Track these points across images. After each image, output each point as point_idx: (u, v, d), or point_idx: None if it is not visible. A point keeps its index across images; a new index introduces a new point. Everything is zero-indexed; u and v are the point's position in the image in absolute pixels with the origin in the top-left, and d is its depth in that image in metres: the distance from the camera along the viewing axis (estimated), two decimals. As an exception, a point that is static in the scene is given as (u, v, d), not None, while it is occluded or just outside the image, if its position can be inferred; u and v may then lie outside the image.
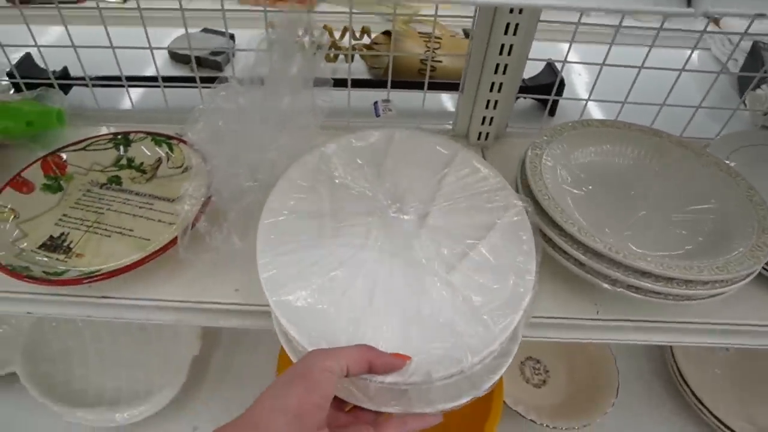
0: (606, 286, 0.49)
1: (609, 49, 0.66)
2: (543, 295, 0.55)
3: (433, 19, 0.98)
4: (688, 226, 0.56)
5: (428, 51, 0.76)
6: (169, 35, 0.99)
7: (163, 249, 0.53)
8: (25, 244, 0.56)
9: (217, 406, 0.91)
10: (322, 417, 0.35)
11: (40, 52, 0.72)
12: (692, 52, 0.70)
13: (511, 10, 0.60)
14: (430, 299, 0.43)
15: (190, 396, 0.91)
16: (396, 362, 0.39)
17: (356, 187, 0.51)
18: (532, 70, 0.85)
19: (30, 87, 0.75)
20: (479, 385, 0.42)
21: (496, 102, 0.71)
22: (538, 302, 0.53)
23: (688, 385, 0.88)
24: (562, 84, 0.81)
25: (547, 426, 0.83)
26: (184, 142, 0.66)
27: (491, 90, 0.69)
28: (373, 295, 0.43)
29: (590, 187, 0.60)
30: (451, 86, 0.76)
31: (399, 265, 0.46)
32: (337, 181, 0.52)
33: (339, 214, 0.49)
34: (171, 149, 0.67)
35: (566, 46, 0.69)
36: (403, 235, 0.47)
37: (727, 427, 0.83)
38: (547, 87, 0.80)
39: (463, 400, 0.42)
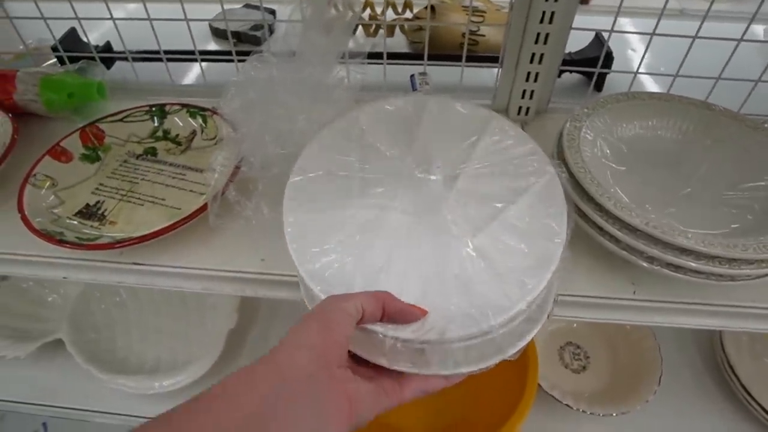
0: (643, 264, 0.46)
1: (659, 19, 0.62)
2: (577, 273, 0.52)
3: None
4: (739, 205, 0.52)
5: (468, 23, 0.73)
6: (212, 11, 1.00)
7: (192, 216, 0.54)
8: (62, 210, 0.58)
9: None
10: (342, 355, 0.35)
11: (81, 24, 0.73)
12: (751, 21, 0.65)
13: (553, -25, 0.57)
14: (453, 260, 0.41)
15: (227, 367, 0.93)
16: (411, 311, 0.38)
17: (386, 149, 0.50)
18: (579, 43, 0.81)
19: (73, 61, 0.77)
20: (505, 349, 0.41)
21: (537, 74, 0.68)
22: (572, 281, 0.52)
23: (737, 376, 0.83)
24: (610, 57, 0.77)
25: (583, 411, 0.80)
26: (218, 114, 0.67)
27: (532, 61, 0.66)
28: (395, 255, 0.42)
29: (633, 163, 0.57)
30: (492, 59, 0.73)
31: (424, 227, 0.44)
32: (366, 143, 0.51)
33: (367, 175, 0.48)
34: (205, 121, 0.68)
35: (622, 19, 0.65)
36: (431, 197, 0.46)
37: (779, 423, 0.79)
38: (593, 60, 0.76)
39: (485, 364, 0.40)
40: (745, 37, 0.63)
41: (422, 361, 0.39)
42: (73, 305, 0.93)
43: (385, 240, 0.43)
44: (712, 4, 0.60)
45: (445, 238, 0.43)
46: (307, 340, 0.34)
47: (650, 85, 0.83)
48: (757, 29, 0.97)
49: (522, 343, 0.41)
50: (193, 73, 0.89)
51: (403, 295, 0.39)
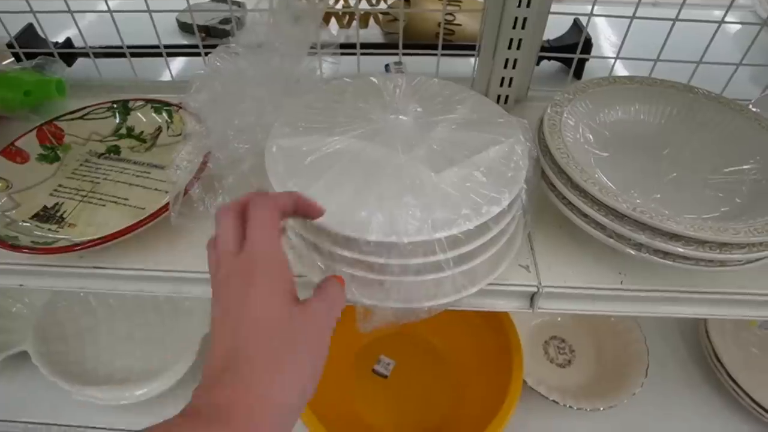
0: (630, 251, 0.44)
1: (637, 4, 0.61)
2: (563, 264, 0.50)
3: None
4: (726, 188, 0.51)
5: (443, 10, 0.71)
6: (179, 5, 0.96)
7: (155, 215, 0.51)
8: (16, 214, 0.54)
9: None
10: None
11: (37, 20, 0.69)
12: (730, 6, 0.64)
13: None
14: (419, 188, 0.42)
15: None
16: (316, 206, 0.38)
17: (363, 104, 0.50)
18: (557, 30, 0.80)
19: (31, 58, 0.73)
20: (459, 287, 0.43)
21: (515, 61, 0.66)
22: (558, 272, 0.50)
23: (723, 365, 0.82)
24: (589, 44, 0.76)
25: (570, 407, 0.78)
26: (184, 108, 0.63)
27: (510, 47, 0.64)
28: (364, 186, 0.43)
29: (616, 148, 0.55)
30: (469, 48, 0.71)
31: (395, 162, 0.45)
32: (342, 101, 0.52)
33: (342, 121, 0.49)
34: (170, 117, 0.65)
35: (598, 8, 0.64)
36: (406, 138, 0.46)
37: (766, 410, 0.78)
38: (572, 47, 0.74)
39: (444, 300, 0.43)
40: (724, 21, 0.62)
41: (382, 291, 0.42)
42: (38, 315, 0.88)
43: (356, 169, 0.44)
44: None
45: (416, 171, 0.44)
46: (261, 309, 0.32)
47: (628, 71, 0.82)
48: (731, 16, 0.97)
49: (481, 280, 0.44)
50: (161, 71, 0.85)
51: (372, 221, 0.40)
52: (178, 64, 0.83)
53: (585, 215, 0.46)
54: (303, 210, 0.38)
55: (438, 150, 0.46)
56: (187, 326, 0.91)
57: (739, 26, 0.95)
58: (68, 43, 0.81)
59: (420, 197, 0.41)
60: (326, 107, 0.51)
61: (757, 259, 0.44)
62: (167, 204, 0.51)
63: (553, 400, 0.79)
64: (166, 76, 0.79)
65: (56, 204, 0.57)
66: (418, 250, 0.40)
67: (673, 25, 0.63)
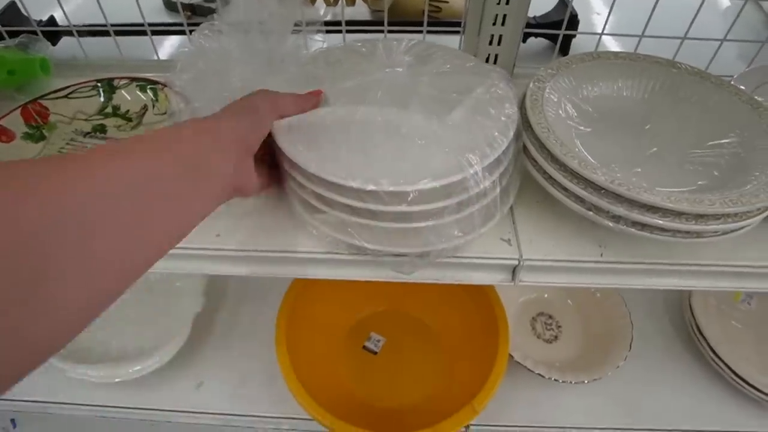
0: (609, 223, 0.45)
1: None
2: (544, 238, 0.51)
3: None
4: (705, 162, 0.51)
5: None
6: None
7: (141, 193, 0.51)
8: (2, 192, 0.54)
9: (221, 361, 0.90)
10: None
11: (18, -4, 0.69)
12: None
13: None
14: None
15: (195, 351, 0.91)
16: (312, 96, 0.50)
17: (352, 64, 0.55)
18: (544, 7, 0.80)
19: (14, 36, 0.73)
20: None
21: (500, 37, 0.66)
22: (540, 245, 0.50)
23: (705, 339, 0.84)
24: (575, 20, 0.76)
25: (555, 380, 0.80)
26: (169, 87, 0.63)
27: (495, 23, 0.65)
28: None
29: (599, 124, 0.55)
30: (455, 25, 0.71)
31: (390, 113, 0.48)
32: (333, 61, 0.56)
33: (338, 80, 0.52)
34: (156, 95, 0.64)
35: None
36: (400, 90, 0.50)
37: (746, 382, 0.80)
38: (558, 24, 0.74)
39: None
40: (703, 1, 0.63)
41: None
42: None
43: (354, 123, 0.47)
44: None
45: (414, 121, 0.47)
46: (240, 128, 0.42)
47: (615, 49, 0.82)
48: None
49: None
50: (147, 50, 0.85)
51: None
52: (163, 42, 0.82)
53: (565, 189, 0.47)
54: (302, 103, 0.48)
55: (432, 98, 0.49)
56: (178, 306, 0.91)
57: (729, 3, 0.95)
58: (52, 21, 0.80)
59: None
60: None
61: (734, 230, 0.45)
62: (153, 181, 0.51)
63: (539, 374, 0.80)
64: (151, 55, 0.78)
65: (42, 183, 0.57)
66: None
67: (657, 1, 0.63)
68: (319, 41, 0.62)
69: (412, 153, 0.44)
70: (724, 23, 0.83)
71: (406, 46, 0.55)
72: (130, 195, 0.30)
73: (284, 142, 0.46)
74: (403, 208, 0.42)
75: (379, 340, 0.91)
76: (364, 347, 0.90)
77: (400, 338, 0.91)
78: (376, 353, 0.89)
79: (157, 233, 0.33)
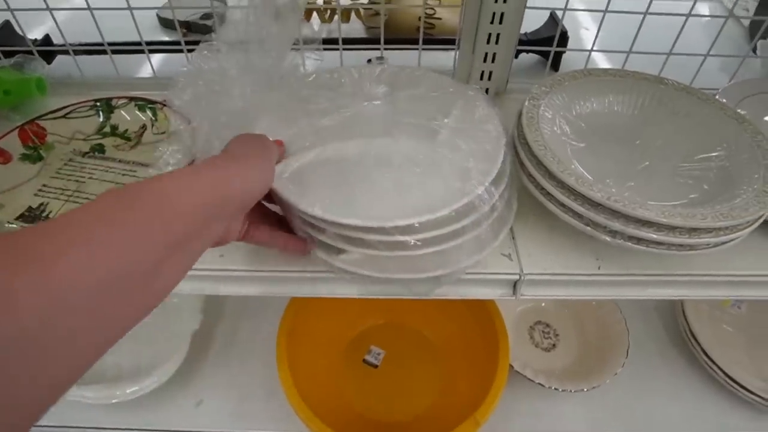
0: (606, 238, 0.46)
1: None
2: (543, 252, 0.52)
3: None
4: (695, 176, 0.53)
5: (423, 5, 0.73)
6: (159, 2, 0.96)
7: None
8: (1, 215, 0.54)
9: (220, 378, 0.90)
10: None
11: (14, 17, 0.69)
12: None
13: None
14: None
15: (193, 370, 0.91)
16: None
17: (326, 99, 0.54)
18: (534, 23, 0.82)
19: (9, 56, 0.73)
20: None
21: (494, 55, 0.67)
22: (539, 260, 0.51)
23: (698, 343, 0.86)
24: (565, 37, 0.78)
25: (555, 389, 0.81)
26: (168, 106, 0.64)
27: (489, 42, 0.66)
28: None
29: (592, 139, 0.57)
30: (449, 42, 0.72)
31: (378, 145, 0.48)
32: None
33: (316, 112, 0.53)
34: (155, 114, 0.65)
35: (575, 1, 0.66)
36: (381, 121, 0.51)
37: (740, 385, 0.81)
38: (549, 40, 0.76)
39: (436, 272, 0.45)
40: (692, 14, 0.65)
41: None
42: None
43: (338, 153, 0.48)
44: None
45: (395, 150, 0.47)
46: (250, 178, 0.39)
47: (604, 64, 0.84)
48: (702, 7, 1.00)
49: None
50: (143, 68, 0.85)
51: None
52: (159, 60, 0.83)
53: (563, 205, 0.48)
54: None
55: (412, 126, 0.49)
56: (176, 323, 0.91)
57: (709, 18, 0.98)
58: (47, 40, 0.80)
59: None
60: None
61: (724, 242, 0.47)
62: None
63: (539, 383, 0.81)
64: (147, 73, 0.79)
65: (41, 204, 0.57)
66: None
67: (643, 18, 0.65)
68: (317, 59, 0.63)
69: (413, 182, 0.44)
70: (705, 35, 0.85)
71: (379, 74, 0.56)
72: (98, 295, 0.26)
73: (284, 190, 0.45)
74: (425, 234, 0.42)
75: (379, 354, 0.91)
76: (364, 361, 0.90)
77: (400, 351, 0.92)
78: (376, 366, 0.90)
79: (126, 313, 0.30)
